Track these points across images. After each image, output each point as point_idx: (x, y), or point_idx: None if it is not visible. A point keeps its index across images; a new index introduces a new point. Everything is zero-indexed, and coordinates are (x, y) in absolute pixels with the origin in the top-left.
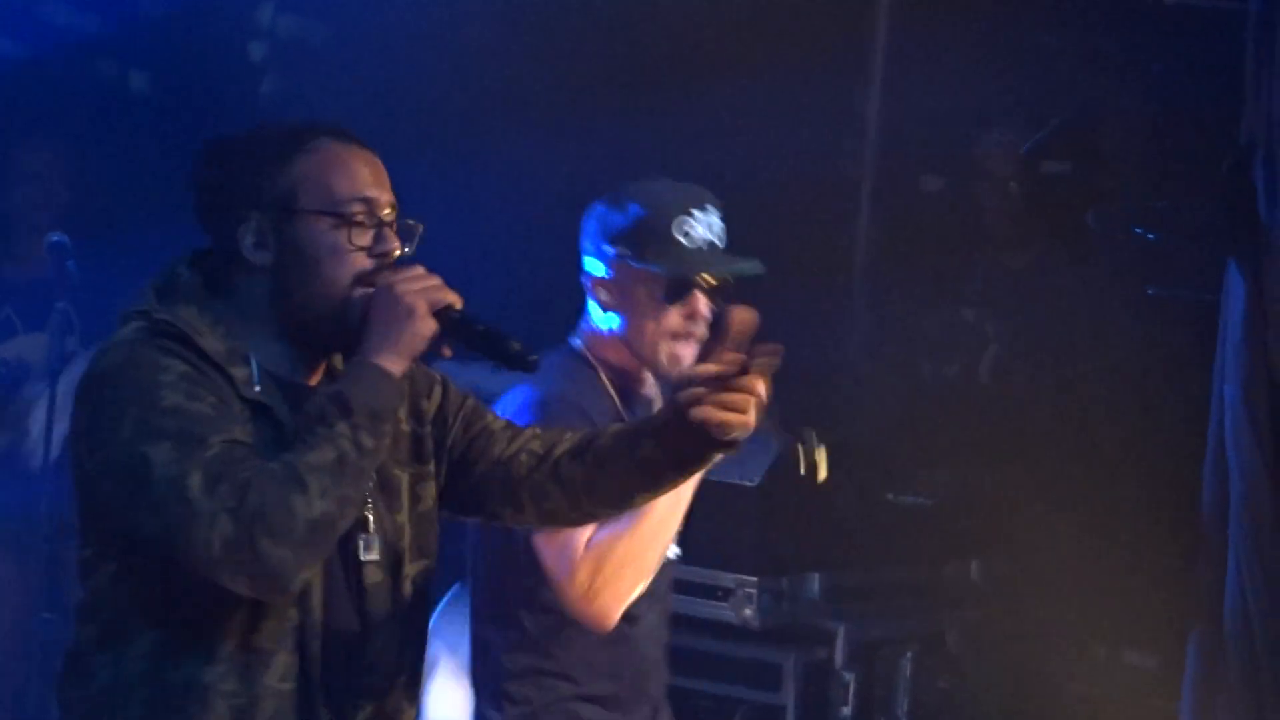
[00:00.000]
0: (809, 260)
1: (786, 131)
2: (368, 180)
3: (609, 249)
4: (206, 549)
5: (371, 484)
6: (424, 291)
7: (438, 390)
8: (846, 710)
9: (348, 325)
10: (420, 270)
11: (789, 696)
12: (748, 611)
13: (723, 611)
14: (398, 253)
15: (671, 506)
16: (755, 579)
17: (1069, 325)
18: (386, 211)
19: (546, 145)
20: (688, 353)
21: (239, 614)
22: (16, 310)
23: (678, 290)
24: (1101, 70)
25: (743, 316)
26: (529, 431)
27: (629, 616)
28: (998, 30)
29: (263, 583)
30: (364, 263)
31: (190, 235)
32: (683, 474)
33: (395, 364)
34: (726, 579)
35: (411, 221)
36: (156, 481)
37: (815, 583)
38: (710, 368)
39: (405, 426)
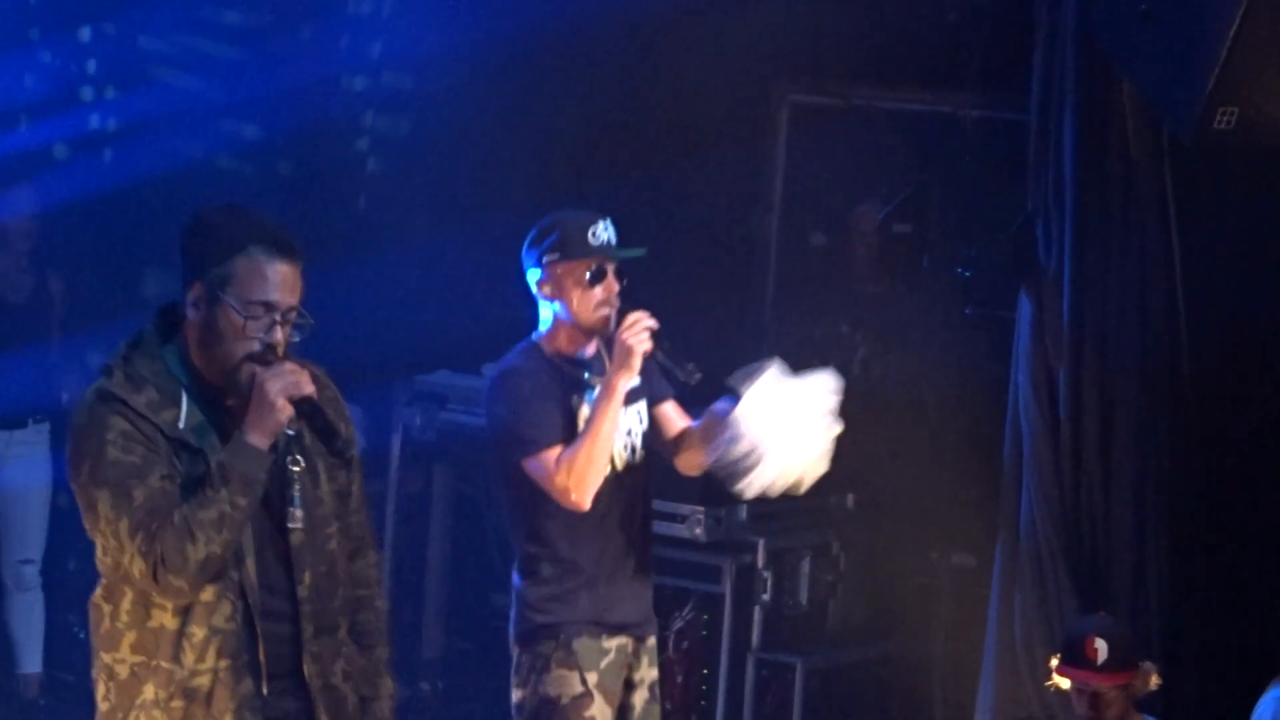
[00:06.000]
0: (736, 290)
1: (721, 203)
2: (275, 286)
3: (545, 258)
4: (129, 572)
5: (299, 469)
6: (284, 387)
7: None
8: (766, 597)
9: (239, 388)
10: (288, 367)
11: (727, 588)
12: (698, 530)
13: (681, 530)
14: (281, 342)
15: (609, 431)
16: (703, 508)
17: (911, 334)
18: (286, 311)
19: (544, 207)
20: (611, 315)
21: None
22: None
23: (596, 274)
24: (931, 162)
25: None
26: None
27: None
28: (862, 135)
29: (169, 598)
30: (253, 346)
31: (325, 292)
32: None
33: (262, 441)
34: (684, 509)
35: (304, 319)
36: (101, 520)
37: (743, 511)
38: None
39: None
